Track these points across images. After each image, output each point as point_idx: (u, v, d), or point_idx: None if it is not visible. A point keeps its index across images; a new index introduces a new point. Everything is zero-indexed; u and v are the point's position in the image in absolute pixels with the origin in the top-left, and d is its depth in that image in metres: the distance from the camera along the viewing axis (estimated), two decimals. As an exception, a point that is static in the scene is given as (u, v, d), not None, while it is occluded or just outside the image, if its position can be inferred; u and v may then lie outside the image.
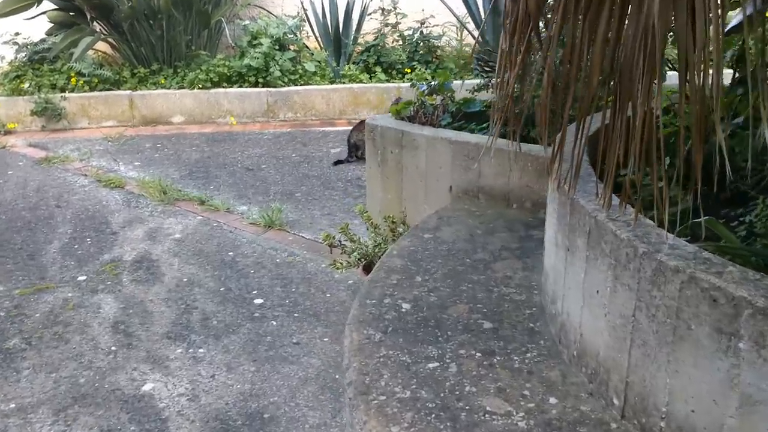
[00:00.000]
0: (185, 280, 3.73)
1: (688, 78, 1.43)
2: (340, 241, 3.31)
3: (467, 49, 7.35)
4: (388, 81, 6.96)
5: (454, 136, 3.18)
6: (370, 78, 7.01)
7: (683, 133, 1.49)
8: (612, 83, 1.68)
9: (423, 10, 7.15)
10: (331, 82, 6.97)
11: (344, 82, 6.94)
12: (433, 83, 3.66)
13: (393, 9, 7.28)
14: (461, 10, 6.90)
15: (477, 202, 3.12)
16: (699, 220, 1.73)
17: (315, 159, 5.73)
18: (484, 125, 3.35)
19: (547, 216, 2.22)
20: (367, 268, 3.29)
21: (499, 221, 2.91)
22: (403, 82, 6.88)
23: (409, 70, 6.96)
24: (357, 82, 6.94)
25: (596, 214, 1.75)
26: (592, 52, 1.67)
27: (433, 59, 7.07)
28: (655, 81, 1.54)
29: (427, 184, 3.30)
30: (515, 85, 1.84)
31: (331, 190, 5.01)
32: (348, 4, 7.19)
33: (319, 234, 4.24)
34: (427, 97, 3.56)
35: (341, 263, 3.20)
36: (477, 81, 6.63)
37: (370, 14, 7.39)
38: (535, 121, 2.99)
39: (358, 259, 3.21)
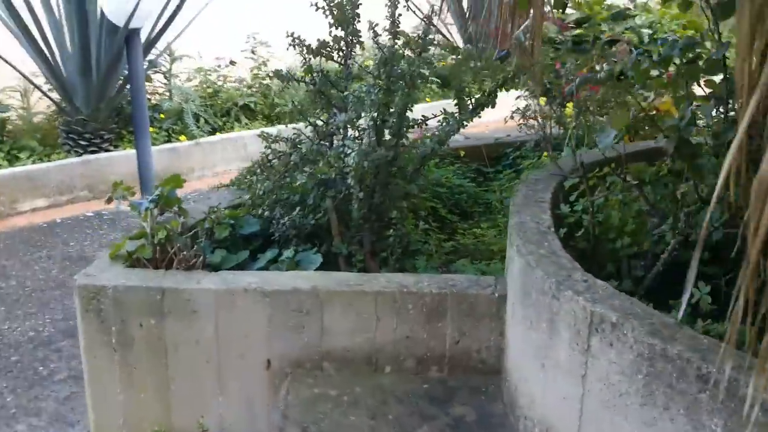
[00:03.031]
0: None
1: None
2: None
3: (41, 117, 5.57)
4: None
5: (265, 282, 1.97)
6: None
7: None
8: None
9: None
10: None
11: None
12: (153, 197, 2.28)
13: None
14: (29, 67, 5.18)
15: (324, 376, 1.98)
16: None
17: None
18: (275, 254, 2.21)
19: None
20: None
21: (390, 404, 1.85)
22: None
23: (-29, 157, 4.93)
24: None
25: None
26: None
27: (3, 138, 5.15)
28: None
29: (222, 364, 2.00)
30: None
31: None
32: None
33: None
34: (169, 223, 2.19)
35: None
36: (74, 159, 5.05)
37: None
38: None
39: None
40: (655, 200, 2.04)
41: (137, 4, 4.50)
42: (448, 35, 7.84)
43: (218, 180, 5.45)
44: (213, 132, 5.88)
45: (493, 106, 2.43)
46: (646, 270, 1.84)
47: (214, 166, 5.69)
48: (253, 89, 6.40)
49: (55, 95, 5.24)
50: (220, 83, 6.38)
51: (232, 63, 6.50)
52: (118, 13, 4.63)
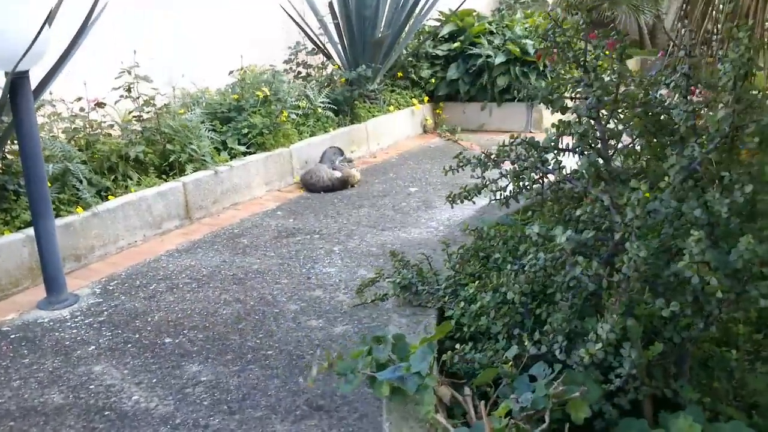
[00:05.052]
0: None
1: None
2: None
3: None
4: None
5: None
6: None
7: None
8: None
9: None
10: None
11: None
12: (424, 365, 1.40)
13: None
14: None
15: None
16: None
17: None
18: None
19: None
20: None
21: None
22: None
23: None
24: None
25: None
26: None
27: None
28: None
29: None
30: None
31: None
32: None
33: None
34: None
35: None
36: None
37: None
38: None
39: None
40: None
41: (34, 41, 3.28)
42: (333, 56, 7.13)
43: (125, 257, 4.29)
44: (101, 195, 4.61)
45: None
46: None
47: (117, 239, 4.47)
48: (136, 135, 5.17)
49: None
50: (89, 131, 5.05)
51: (100, 105, 5.18)
52: (-5, 52, 3.37)
